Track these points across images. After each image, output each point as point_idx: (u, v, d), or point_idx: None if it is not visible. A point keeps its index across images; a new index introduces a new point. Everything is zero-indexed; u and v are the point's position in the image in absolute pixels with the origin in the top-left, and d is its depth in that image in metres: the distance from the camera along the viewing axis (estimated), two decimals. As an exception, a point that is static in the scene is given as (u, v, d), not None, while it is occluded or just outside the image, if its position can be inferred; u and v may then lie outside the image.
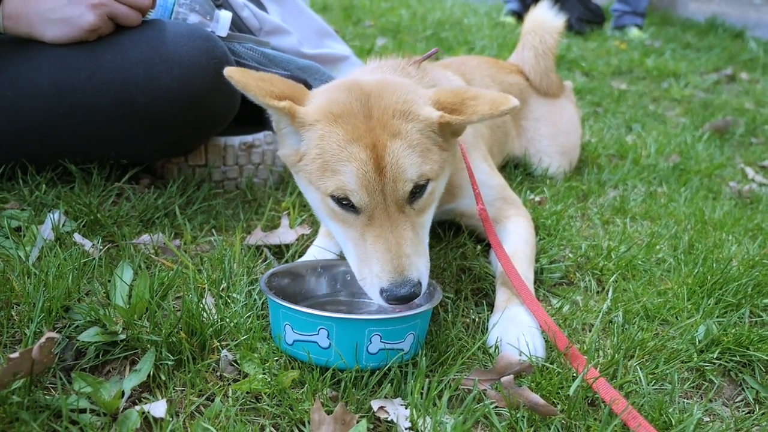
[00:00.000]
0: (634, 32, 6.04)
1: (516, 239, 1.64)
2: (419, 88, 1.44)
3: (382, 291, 1.23)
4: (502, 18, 6.12)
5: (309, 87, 1.94)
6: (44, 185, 1.73)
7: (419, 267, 1.26)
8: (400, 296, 1.22)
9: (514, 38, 4.85)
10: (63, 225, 1.57)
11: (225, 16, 1.94)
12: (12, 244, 1.46)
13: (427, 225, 1.36)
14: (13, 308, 1.26)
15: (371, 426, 1.11)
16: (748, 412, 1.29)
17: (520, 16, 5.91)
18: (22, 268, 1.36)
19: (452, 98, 1.35)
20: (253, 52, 2.03)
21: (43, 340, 1.02)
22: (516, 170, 2.39)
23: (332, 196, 1.27)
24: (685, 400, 1.29)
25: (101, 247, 1.52)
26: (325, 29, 2.44)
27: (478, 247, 1.74)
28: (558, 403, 1.19)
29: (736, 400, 1.33)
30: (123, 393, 1.10)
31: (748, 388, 1.36)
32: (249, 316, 1.33)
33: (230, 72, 1.26)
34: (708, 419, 1.26)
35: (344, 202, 1.27)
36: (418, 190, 1.30)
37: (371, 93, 1.32)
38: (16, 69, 1.69)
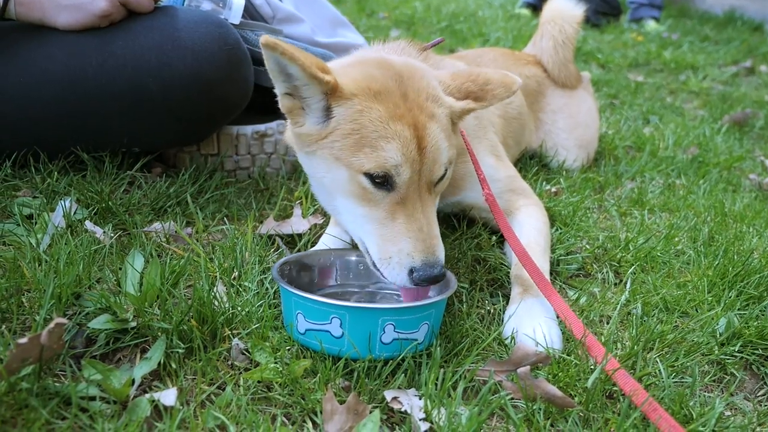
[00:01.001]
0: (651, 25, 5.96)
1: (528, 230, 1.61)
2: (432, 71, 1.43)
3: (412, 270, 1.21)
4: (517, 10, 6.06)
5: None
6: (56, 173, 1.73)
7: (443, 249, 1.26)
8: (433, 276, 1.21)
9: (530, 30, 4.80)
10: (74, 212, 1.57)
11: (238, 3, 1.91)
12: (24, 232, 1.46)
13: (436, 206, 1.36)
14: (23, 295, 1.25)
15: (384, 416, 1.09)
16: (772, 407, 1.26)
17: (535, 8, 5.85)
18: (33, 255, 1.35)
19: (471, 85, 1.36)
20: (266, 40, 2.00)
21: (52, 325, 1.00)
22: (531, 161, 2.35)
23: (367, 174, 1.23)
24: (706, 394, 1.26)
25: (112, 235, 1.51)
26: (338, 18, 2.42)
27: (493, 237, 1.72)
28: (575, 396, 1.16)
29: (758, 394, 1.30)
30: (133, 381, 1.09)
31: (771, 382, 1.32)
32: (261, 305, 1.31)
33: (273, 42, 1.16)
34: (729, 413, 1.23)
35: (378, 180, 1.23)
36: (443, 173, 1.30)
37: (403, 73, 1.30)
38: (29, 56, 1.68)
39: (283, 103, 1.32)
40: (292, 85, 1.27)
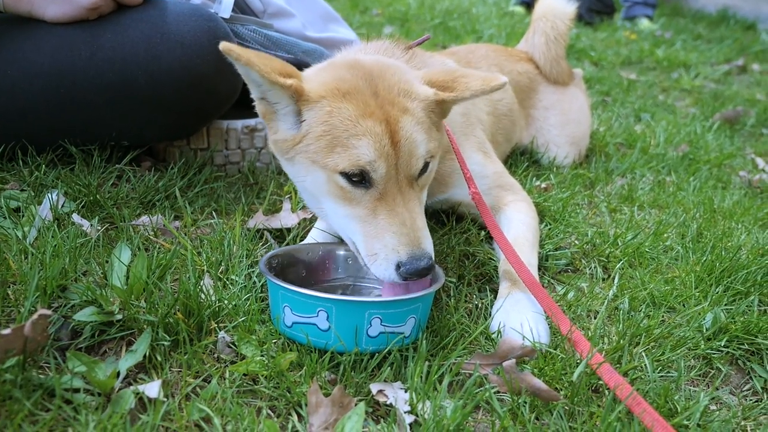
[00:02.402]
0: (644, 23, 5.97)
1: (517, 225, 1.62)
2: (411, 69, 1.43)
3: (399, 265, 1.20)
4: (510, 8, 6.07)
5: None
6: (44, 166, 1.72)
7: (430, 241, 1.26)
8: (420, 269, 1.20)
9: (523, 28, 4.80)
10: (62, 205, 1.56)
11: (228, -4, 1.91)
12: (10, 224, 1.45)
13: (422, 200, 1.35)
14: (9, 287, 1.24)
15: (370, 409, 1.09)
16: (756, 401, 1.27)
17: (528, 5, 5.86)
18: (19, 248, 1.35)
19: (443, 76, 1.35)
20: (257, 34, 2.00)
21: (35, 316, 1.00)
22: (522, 157, 2.35)
23: (343, 173, 1.24)
24: (692, 388, 1.27)
25: (99, 228, 1.50)
26: (330, 13, 2.41)
27: (482, 233, 1.72)
28: (561, 389, 1.16)
29: (744, 388, 1.31)
30: (118, 373, 1.08)
31: (756, 376, 1.33)
32: (248, 298, 1.31)
33: (229, 47, 1.19)
34: (714, 407, 1.23)
35: (354, 179, 1.24)
36: (424, 167, 1.29)
37: (373, 71, 1.30)
38: (17, 48, 1.67)
39: (258, 108, 1.34)
40: (261, 90, 1.29)
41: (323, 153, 1.24)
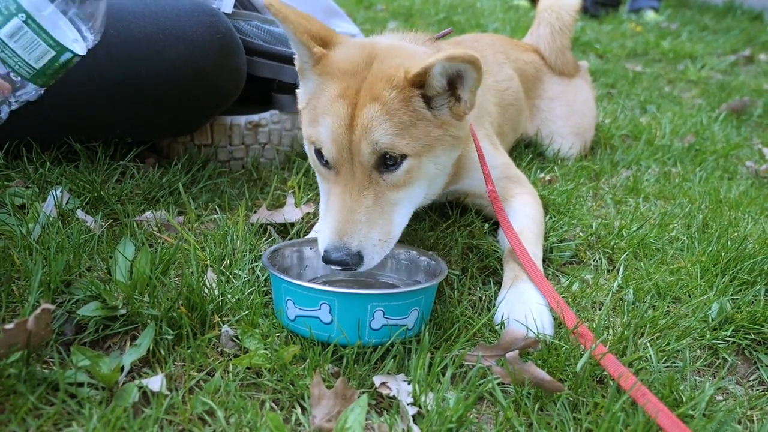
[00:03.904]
0: (650, 15, 5.94)
1: (522, 217, 1.61)
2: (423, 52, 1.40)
3: (324, 252, 1.23)
4: (515, 1, 6.05)
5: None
6: (49, 163, 1.72)
7: (364, 238, 1.23)
8: (332, 260, 1.21)
9: (527, 21, 4.78)
10: (66, 202, 1.56)
11: (230, -8, 1.91)
12: (15, 221, 1.45)
13: (401, 205, 1.30)
14: (14, 283, 1.25)
15: (373, 401, 1.09)
16: (763, 391, 1.26)
17: (533, -1, 5.84)
18: (23, 244, 1.35)
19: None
20: (259, 30, 2.00)
21: (38, 311, 1.00)
22: (526, 149, 2.34)
23: (313, 146, 1.30)
24: (697, 378, 1.26)
25: (103, 224, 1.51)
26: (332, 8, 2.41)
27: (486, 225, 1.71)
28: (565, 380, 1.16)
29: (750, 378, 1.30)
30: (122, 368, 1.09)
31: (762, 366, 1.32)
32: (251, 292, 1.31)
33: (270, 1, 1.26)
34: (720, 397, 1.23)
35: (321, 155, 1.29)
36: (391, 162, 1.26)
37: (378, 55, 1.30)
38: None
39: (296, 61, 1.40)
40: (296, 46, 1.35)
41: (306, 122, 1.34)
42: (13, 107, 1.21)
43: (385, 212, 1.27)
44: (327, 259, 1.22)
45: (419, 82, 1.24)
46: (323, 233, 1.25)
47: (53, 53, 1.14)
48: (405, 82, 1.24)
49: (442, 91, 1.28)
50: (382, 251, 1.26)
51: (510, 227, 1.44)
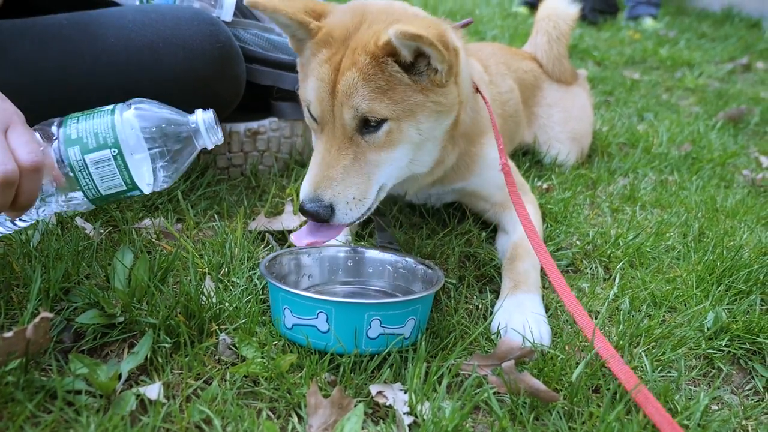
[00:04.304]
0: (648, 22, 5.96)
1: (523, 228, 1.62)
2: (415, 15, 1.43)
3: (300, 200, 1.31)
4: (514, 8, 6.07)
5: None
6: (48, 170, 1.73)
7: (338, 194, 1.30)
8: (305, 210, 1.30)
9: (526, 28, 4.80)
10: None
11: (229, 1, 1.92)
12: (14, 228, 1.46)
13: (381, 167, 1.36)
14: (13, 290, 1.26)
15: (369, 410, 1.10)
16: (758, 401, 1.26)
17: (532, 6, 5.85)
18: (22, 251, 1.36)
19: (409, 19, 1.36)
20: (258, 38, 2.01)
21: (37, 319, 1.01)
22: (524, 157, 2.35)
23: (304, 104, 1.39)
24: (692, 388, 1.27)
25: (102, 231, 1.52)
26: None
27: (483, 233, 1.72)
28: (561, 390, 1.16)
29: (746, 388, 1.31)
30: (120, 375, 1.09)
31: (757, 376, 1.33)
32: (249, 300, 1.32)
33: (254, 1, 1.31)
34: (715, 407, 1.23)
35: (309, 109, 1.37)
36: (374, 125, 1.32)
37: (368, 17, 1.35)
38: (22, 54, 1.68)
39: (291, 43, 1.46)
40: (291, 29, 1.40)
41: (301, 81, 1.41)
42: (56, 209, 1.20)
43: (364, 172, 1.34)
44: (302, 209, 1.31)
45: (391, 50, 1.28)
46: (303, 186, 1.33)
47: (124, 188, 1.18)
48: (377, 50, 1.28)
49: (414, 60, 1.31)
50: (357, 210, 1.33)
51: (521, 203, 1.44)
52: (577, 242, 1.77)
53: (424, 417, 1.06)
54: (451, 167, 1.61)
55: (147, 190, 1.21)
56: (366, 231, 1.72)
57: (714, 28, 6.19)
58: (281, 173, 2.06)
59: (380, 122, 1.32)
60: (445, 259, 1.60)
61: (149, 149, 1.18)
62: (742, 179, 2.53)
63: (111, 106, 1.20)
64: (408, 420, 1.05)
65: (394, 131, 1.33)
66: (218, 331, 1.23)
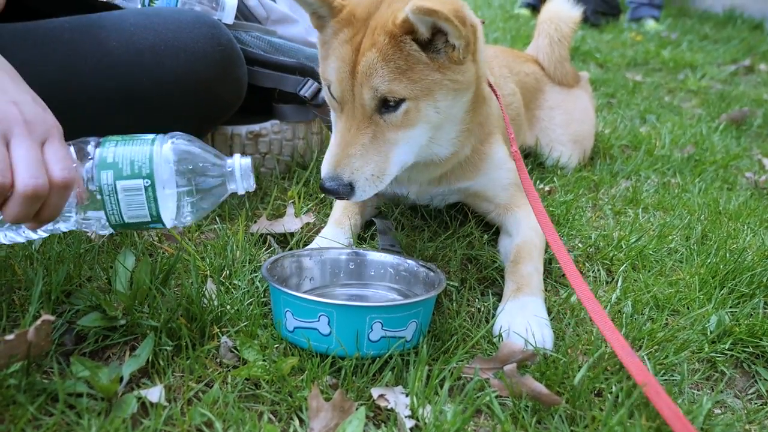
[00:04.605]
0: (650, 24, 5.96)
1: (526, 229, 1.62)
2: None
3: (321, 179, 1.34)
4: (516, 10, 6.07)
5: (316, 76, 1.94)
6: (50, 173, 1.73)
7: (356, 171, 1.33)
8: (325, 188, 1.33)
9: (528, 30, 4.80)
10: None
11: (230, 3, 1.92)
12: (16, 231, 1.46)
13: (399, 144, 1.37)
14: (15, 293, 1.26)
15: (371, 414, 1.09)
16: (761, 405, 1.26)
17: (534, 8, 5.86)
18: (24, 254, 1.36)
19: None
20: (260, 40, 2.01)
21: (38, 322, 1.01)
22: (526, 159, 2.35)
23: (325, 83, 1.40)
24: (695, 391, 1.26)
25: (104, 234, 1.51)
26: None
27: (485, 236, 1.72)
28: (563, 393, 1.16)
29: (749, 392, 1.30)
30: (122, 378, 1.09)
31: (761, 380, 1.32)
32: (250, 303, 1.32)
33: None
34: (719, 411, 1.23)
35: (329, 89, 1.38)
36: (392, 104, 1.33)
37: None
38: (24, 57, 1.68)
39: (312, 21, 1.44)
40: (312, 7, 1.39)
41: (322, 60, 1.42)
42: (73, 227, 1.18)
43: (383, 150, 1.36)
44: (322, 188, 1.33)
45: (408, 28, 1.29)
46: (323, 164, 1.35)
47: (148, 219, 1.16)
48: (395, 28, 1.29)
49: (432, 37, 1.32)
50: (374, 186, 1.36)
51: (533, 190, 1.44)
52: (580, 245, 1.77)
53: (426, 420, 1.06)
54: (459, 163, 1.62)
55: (169, 225, 1.19)
56: (368, 234, 1.72)
57: (716, 30, 6.19)
58: (283, 176, 2.06)
59: (399, 102, 1.33)
60: (447, 262, 1.60)
61: (180, 186, 1.16)
62: (745, 181, 2.53)
63: (152, 136, 1.18)
64: (410, 423, 1.05)
65: (412, 110, 1.35)
66: (220, 333, 1.23)
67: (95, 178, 1.12)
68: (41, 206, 1.05)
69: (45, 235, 1.19)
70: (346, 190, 1.32)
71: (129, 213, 1.14)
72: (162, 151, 1.15)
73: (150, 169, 1.13)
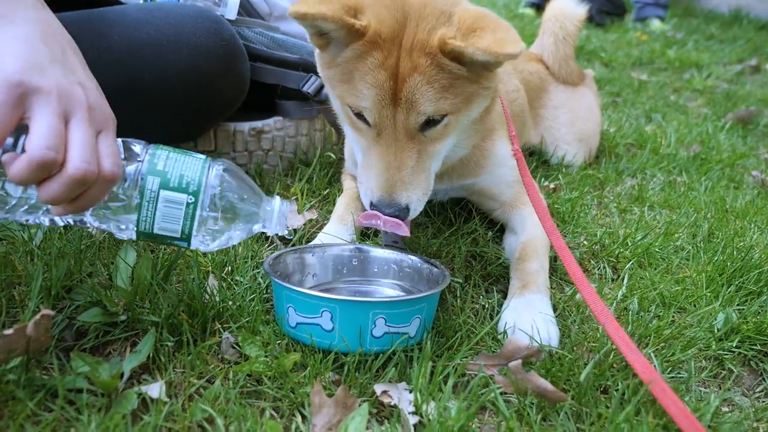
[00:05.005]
0: (655, 24, 5.94)
1: (531, 227, 1.60)
2: (457, 4, 1.35)
3: (371, 204, 1.33)
4: (520, 10, 6.05)
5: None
6: (52, 169, 1.72)
7: (411, 194, 1.33)
8: (386, 215, 1.32)
9: (533, 29, 4.78)
10: (69, 208, 1.56)
11: (234, -1, 1.92)
12: (18, 227, 1.45)
13: (438, 154, 1.39)
14: (15, 288, 1.25)
15: (374, 410, 1.08)
16: (769, 403, 1.24)
17: (539, 7, 5.84)
18: (25, 249, 1.35)
19: (471, 21, 1.27)
20: (262, 36, 2.00)
21: (38, 317, 1.00)
22: (531, 157, 2.34)
23: (350, 108, 1.35)
24: (703, 389, 1.24)
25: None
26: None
27: (489, 233, 1.70)
28: (569, 390, 1.14)
29: (757, 390, 1.28)
30: (122, 374, 1.08)
31: (769, 377, 1.31)
32: (252, 299, 1.31)
33: (295, 11, 1.23)
34: (726, 409, 1.21)
35: (358, 113, 1.34)
36: (435, 120, 1.32)
37: (410, 15, 1.29)
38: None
39: (312, 41, 1.39)
40: (320, 28, 1.32)
41: (340, 81, 1.35)
42: (103, 225, 1.14)
43: (426, 166, 1.37)
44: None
45: (454, 54, 1.26)
46: (369, 188, 1.34)
47: (176, 235, 1.13)
48: (440, 52, 1.27)
49: None
50: (424, 201, 1.38)
51: (534, 188, 1.43)
52: (585, 242, 1.75)
53: (430, 417, 1.04)
54: (461, 160, 1.60)
55: (193, 246, 1.17)
56: (371, 230, 1.70)
57: (722, 30, 6.16)
58: (286, 172, 2.05)
59: (442, 117, 1.33)
60: (451, 259, 1.58)
61: (213, 211, 1.14)
62: (752, 180, 2.51)
63: (204, 157, 1.16)
64: (413, 420, 1.04)
65: (452, 122, 1.35)
66: (221, 329, 1.22)
67: (140, 181, 1.09)
68: (81, 193, 1.02)
69: (68, 223, 1.17)
70: (405, 214, 1.33)
71: (161, 224, 1.11)
72: (213, 171, 1.14)
73: (197, 188, 1.10)
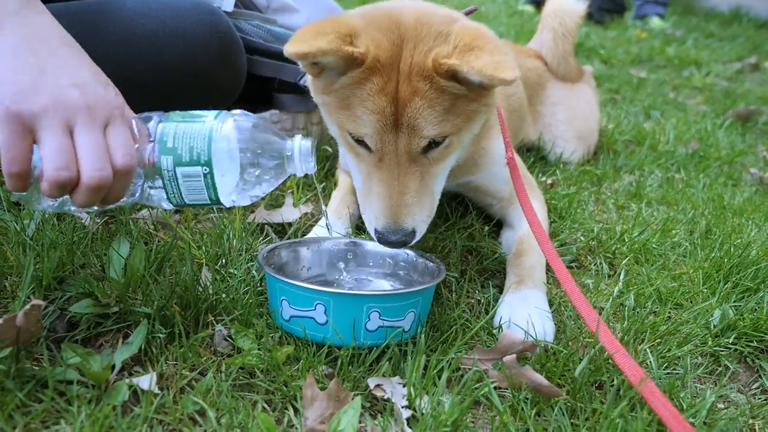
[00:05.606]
0: (655, 21, 5.93)
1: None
2: (454, 22, 1.32)
3: (375, 231, 1.29)
4: (520, 6, 6.04)
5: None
6: (46, 160, 1.71)
7: (416, 217, 1.29)
8: (390, 242, 1.28)
9: (532, 26, 4.77)
10: (62, 199, 1.55)
11: (231, -9, 1.90)
12: (10, 217, 1.44)
13: (441, 174, 1.36)
14: (6, 279, 1.24)
15: (367, 404, 1.07)
16: (765, 399, 1.24)
17: (538, 4, 5.82)
18: (17, 240, 1.34)
19: (470, 39, 1.25)
20: (260, 29, 1.99)
21: (27, 307, 0.99)
22: (528, 153, 2.33)
23: (349, 135, 1.32)
24: (698, 386, 1.24)
25: (99, 221, 1.50)
26: (333, 7, 2.39)
27: (486, 228, 1.69)
28: (563, 385, 1.14)
29: (752, 386, 1.28)
30: (114, 366, 1.07)
31: (765, 374, 1.30)
32: (246, 292, 1.30)
33: (292, 52, 1.17)
34: (722, 405, 1.21)
35: (358, 139, 1.31)
36: (434, 144, 1.30)
37: (406, 37, 1.26)
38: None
39: (305, 69, 1.35)
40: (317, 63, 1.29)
41: (338, 108, 1.31)
42: (138, 199, 1.15)
43: (429, 188, 1.34)
44: (384, 241, 1.29)
45: (453, 74, 1.24)
46: (373, 215, 1.30)
47: (207, 201, 1.15)
48: (437, 74, 1.24)
49: None
50: (429, 223, 1.35)
51: (527, 199, 1.41)
52: (582, 238, 1.74)
53: (423, 411, 1.04)
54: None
55: (228, 204, 1.17)
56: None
57: (722, 28, 6.15)
58: (282, 166, 2.03)
59: (444, 138, 1.30)
60: (447, 253, 1.58)
61: (241, 164, 1.13)
62: (750, 178, 2.50)
63: (213, 114, 1.14)
64: (406, 414, 1.03)
65: (454, 142, 1.33)
66: (214, 322, 1.21)
67: (156, 161, 1.10)
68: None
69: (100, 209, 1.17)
70: (411, 238, 1.29)
71: (189, 196, 1.13)
72: (222, 132, 1.12)
73: (208, 156, 1.10)
